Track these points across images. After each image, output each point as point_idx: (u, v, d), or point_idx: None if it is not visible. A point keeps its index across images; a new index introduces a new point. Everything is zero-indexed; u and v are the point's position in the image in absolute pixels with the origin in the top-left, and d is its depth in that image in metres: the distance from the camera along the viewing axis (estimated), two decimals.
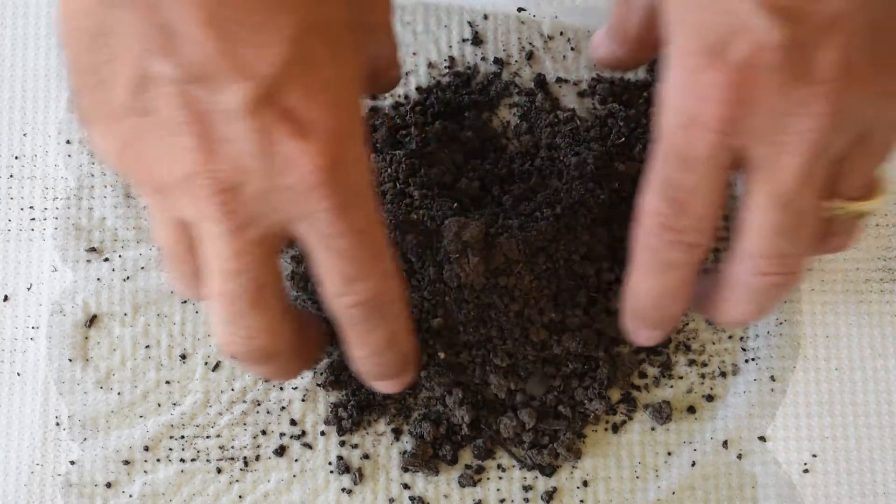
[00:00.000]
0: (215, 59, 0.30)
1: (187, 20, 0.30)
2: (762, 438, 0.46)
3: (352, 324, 0.36)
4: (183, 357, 0.47)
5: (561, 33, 0.49)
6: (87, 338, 0.47)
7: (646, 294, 0.37)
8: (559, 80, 0.49)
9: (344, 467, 0.45)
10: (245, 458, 0.46)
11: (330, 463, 0.46)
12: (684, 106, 0.33)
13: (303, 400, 0.46)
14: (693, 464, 0.46)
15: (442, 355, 0.44)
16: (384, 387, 0.39)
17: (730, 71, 0.32)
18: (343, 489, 0.45)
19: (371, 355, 0.37)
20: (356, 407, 0.46)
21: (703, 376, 0.47)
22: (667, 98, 0.34)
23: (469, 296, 0.43)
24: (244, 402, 0.46)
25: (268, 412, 0.46)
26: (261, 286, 0.34)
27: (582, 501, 0.45)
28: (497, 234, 0.43)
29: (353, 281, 0.34)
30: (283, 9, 0.31)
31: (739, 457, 0.46)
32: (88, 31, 0.32)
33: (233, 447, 0.46)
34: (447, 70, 0.49)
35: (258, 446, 0.46)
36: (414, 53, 0.49)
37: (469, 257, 0.42)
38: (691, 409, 0.46)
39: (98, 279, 0.47)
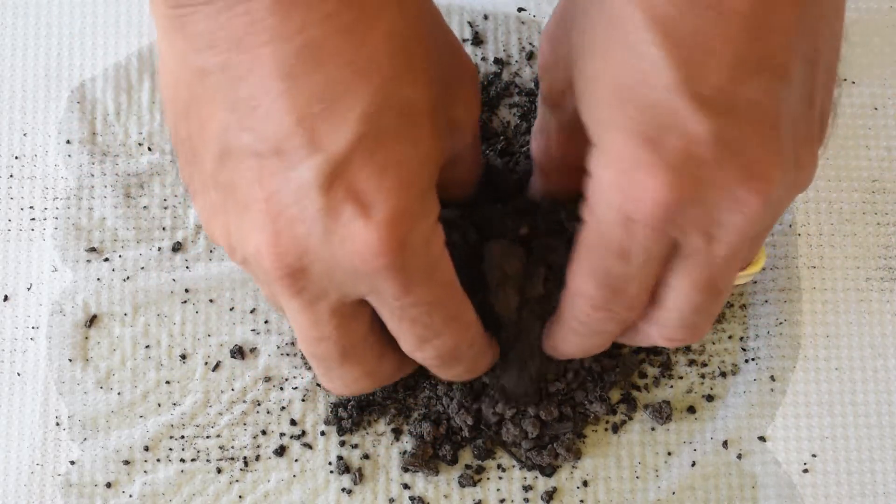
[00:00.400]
0: (290, 133, 0.30)
1: (268, 92, 0.30)
2: (762, 438, 0.46)
3: (430, 367, 0.37)
4: (183, 357, 0.47)
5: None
6: (87, 338, 0.47)
7: (570, 351, 0.39)
8: None
9: (344, 467, 0.45)
10: (245, 458, 0.46)
11: (330, 463, 0.46)
12: (621, 204, 0.32)
13: (303, 400, 0.46)
14: (693, 464, 0.46)
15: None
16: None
17: (666, 170, 0.31)
18: (343, 489, 0.45)
19: (450, 378, 0.40)
20: (356, 407, 0.46)
21: (703, 376, 0.47)
22: (599, 193, 0.33)
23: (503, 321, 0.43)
24: (244, 402, 0.46)
25: (268, 412, 0.46)
26: (345, 347, 0.35)
27: (582, 501, 0.45)
28: (537, 261, 0.42)
29: (426, 340, 0.35)
30: (361, 85, 0.30)
31: (739, 457, 0.46)
32: (183, 101, 0.33)
33: (233, 447, 0.46)
34: None
35: (258, 446, 0.46)
36: None
37: (507, 290, 0.41)
38: (691, 409, 0.46)
39: (98, 279, 0.47)
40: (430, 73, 0.32)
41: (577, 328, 0.37)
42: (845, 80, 0.49)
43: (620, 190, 0.32)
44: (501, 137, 0.48)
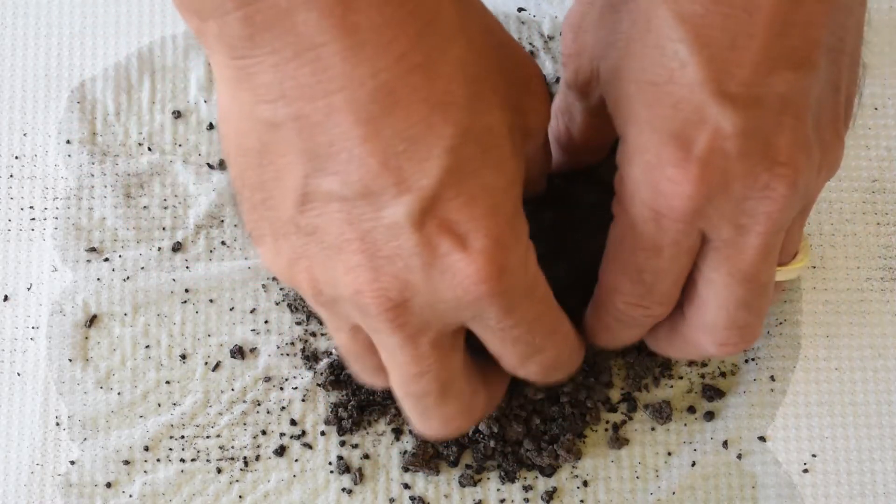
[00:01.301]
0: (377, 175, 0.30)
1: (348, 137, 0.30)
2: (762, 438, 0.46)
3: (533, 380, 0.37)
4: (183, 357, 0.47)
5: (561, 33, 0.49)
6: (87, 338, 0.47)
7: (603, 342, 0.39)
8: (559, 80, 0.49)
9: (344, 467, 0.45)
10: (245, 458, 0.46)
11: (330, 463, 0.46)
12: (650, 200, 0.33)
13: (303, 400, 0.46)
14: (693, 464, 0.46)
15: None
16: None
17: (693, 165, 0.32)
18: (343, 489, 0.45)
19: (549, 384, 0.40)
20: (356, 407, 0.46)
21: (703, 376, 0.47)
22: (629, 190, 0.34)
23: None
24: (244, 402, 0.46)
25: (268, 412, 0.46)
26: (445, 382, 0.35)
27: (582, 501, 0.45)
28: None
29: (528, 357, 0.35)
30: (440, 120, 0.30)
31: (739, 457, 0.46)
32: (254, 151, 0.32)
33: (233, 447, 0.46)
34: None
35: (258, 446, 0.46)
36: None
37: None
38: (691, 409, 0.46)
39: (98, 279, 0.47)
40: (502, 94, 0.32)
41: (611, 323, 0.37)
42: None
43: (649, 186, 0.33)
44: None
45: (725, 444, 0.46)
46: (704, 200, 0.32)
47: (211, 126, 0.48)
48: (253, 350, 0.47)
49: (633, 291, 0.35)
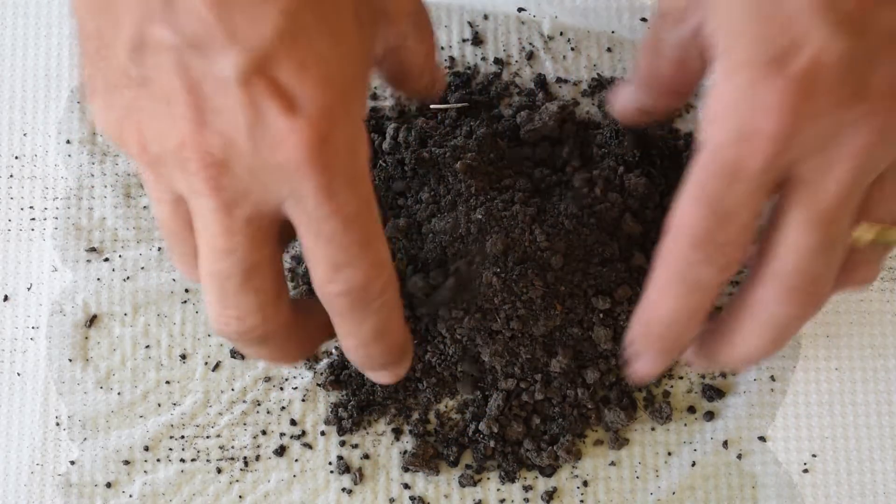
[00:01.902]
0: (211, 27, 0.30)
1: None
2: (762, 438, 0.46)
3: (340, 313, 0.35)
4: (183, 357, 0.47)
5: (561, 33, 0.49)
6: (87, 338, 0.47)
7: (664, 315, 0.36)
8: (559, 80, 0.49)
9: (344, 467, 0.45)
10: (245, 458, 0.46)
11: (330, 463, 0.46)
12: (740, 119, 0.32)
13: (303, 400, 0.46)
14: (693, 464, 0.46)
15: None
16: (377, 377, 0.39)
17: (789, 84, 0.31)
18: (343, 489, 0.45)
19: (360, 346, 0.37)
20: (356, 407, 0.46)
21: (703, 376, 0.47)
22: (717, 111, 0.33)
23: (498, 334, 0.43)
24: (244, 402, 0.46)
25: (268, 412, 0.46)
26: (251, 267, 0.33)
27: (582, 501, 0.45)
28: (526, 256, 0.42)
29: (340, 268, 0.34)
30: None
31: (739, 457, 0.46)
32: None
33: (233, 447, 0.46)
34: (447, 70, 0.49)
35: (258, 446, 0.46)
36: None
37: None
38: (691, 409, 0.46)
39: (98, 279, 0.47)
40: None
41: (673, 278, 0.35)
42: None
43: (741, 103, 0.32)
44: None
45: (725, 444, 0.46)
46: (797, 125, 0.31)
47: None
48: None
49: (704, 226, 0.33)
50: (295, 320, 0.36)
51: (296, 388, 0.46)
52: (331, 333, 0.38)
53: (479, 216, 0.42)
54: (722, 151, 0.33)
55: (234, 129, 0.31)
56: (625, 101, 0.43)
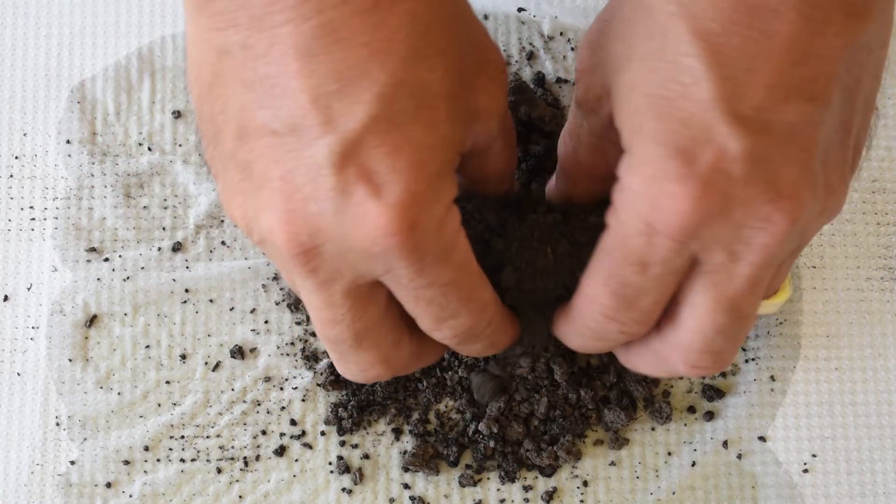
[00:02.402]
0: (306, 111, 0.30)
1: (285, 71, 0.30)
2: (762, 438, 0.46)
3: (449, 344, 0.37)
4: (183, 357, 0.47)
5: (561, 33, 0.49)
6: (87, 338, 0.47)
7: (574, 345, 0.39)
8: (559, 80, 0.49)
9: (344, 467, 0.45)
10: (245, 458, 0.46)
11: (330, 463, 0.46)
12: (646, 213, 0.32)
13: (303, 400, 0.46)
14: (693, 464, 0.46)
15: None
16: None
17: (694, 183, 0.31)
18: (343, 489, 0.45)
19: (470, 354, 0.39)
20: (356, 407, 0.46)
21: (703, 376, 0.47)
22: (626, 200, 0.33)
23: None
24: (244, 402, 0.46)
25: (268, 412, 0.46)
26: (360, 331, 0.35)
27: (582, 501, 0.45)
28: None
29: (442, 321, 0.35)
30: (377, 66, 0.30)
31: (739, 457, 0.46)
32: (207, 82, 0.33)
33: (233, 447, 0.46)
34: None
35: (258, 446, 0.46)
36: None
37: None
38: (691, 409, 0.46)
39: (98, 279, 0.47)
40: (449, 59, 0.32)
41: (584, 331, 0.37)
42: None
43: (647, 197, 0.32)
44: None
45: (725, 444, 0.46)
46: (701, 221, 0.31)
47: None
48: (253, 350, 0.47)
49: (612, 305, 0.35)
50: (417, 351, 0.38)
51: (296, 388, 0.46)
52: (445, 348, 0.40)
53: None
54: (627, 240, 0.33)
55: (323, 215, 0.31)
56: (552, 191, 0.43)
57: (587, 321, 0.36)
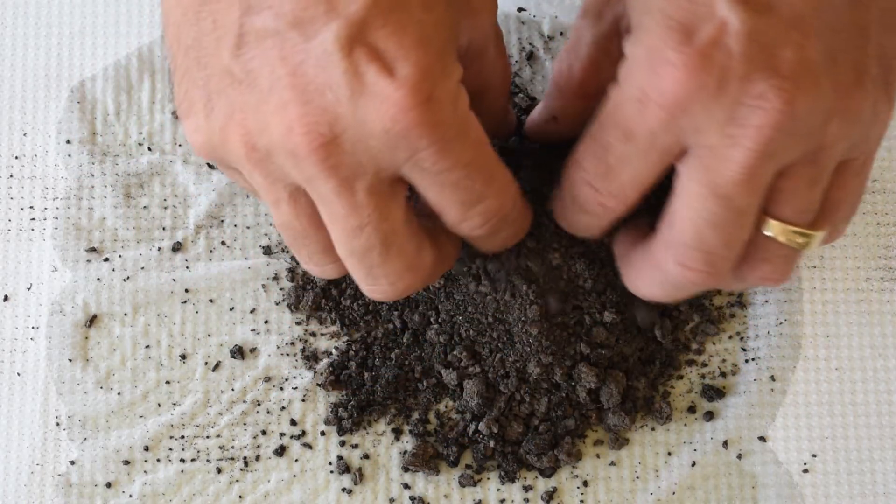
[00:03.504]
0: (310, 4, 0.31)
1: None
2: (762, 438, 0.46)
3: (478, 238, 0.37)
4: (183, 357, 0.47)
5: (561, 33, 0.49)
6: (87, 338, 0.47)
7: (560, 217, 0.39)
8: None
9: (344, 467, 0.45)
10: (245, 458, 0.46)
11: (330, 463, 0.46)
12: (640, 79, 0.33)
13: (303, 400, 0.46)
14: (693, 464, 0.46)
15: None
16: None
17: (692, 53, 0.32)
18: (343, 489, 0.45)
19: (496, 247, 0.39)
20: (356, 407, 0.46)
21: (703, 376, 0.47)
22: (626, 69, 0.34)
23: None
24: (244, 402, 0.46)
25: (268, 412, 0.46)
26: (388, 234, 0.34)
27: (582, 501, 0.45)
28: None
29: (470, 206, 0.35)
30: None
31: (739, 457, 0.46)
32: (193, 5, 0.33)
33: (233, 447, 0.46)
34: None
35: (258, 446, 0.46)
36: None
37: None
38: (691, 409, 0.46)
39: (98, 279, 0.47)
40: None
41: (568, 202, 0.37)
42: None
43: (646, 65, 0.32)
44: None
45: (725, 444, 0.46)
46: (695, 93, 0.32)
47: None
48: (253, 350, 0.47)
49: (592, 171, 0.35)
50: (438, 256, 0.37)
51: (296, 388, 0.46)
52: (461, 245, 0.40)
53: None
54: (619, 107, 0.34)
55: (339, 102, 0.31)
56: (535, 113, 0.43)
57: (572, 189, 0.36)
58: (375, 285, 0.36)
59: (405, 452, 0.46)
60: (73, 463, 0.46)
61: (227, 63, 0.33)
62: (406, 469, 0.45)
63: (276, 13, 0.31)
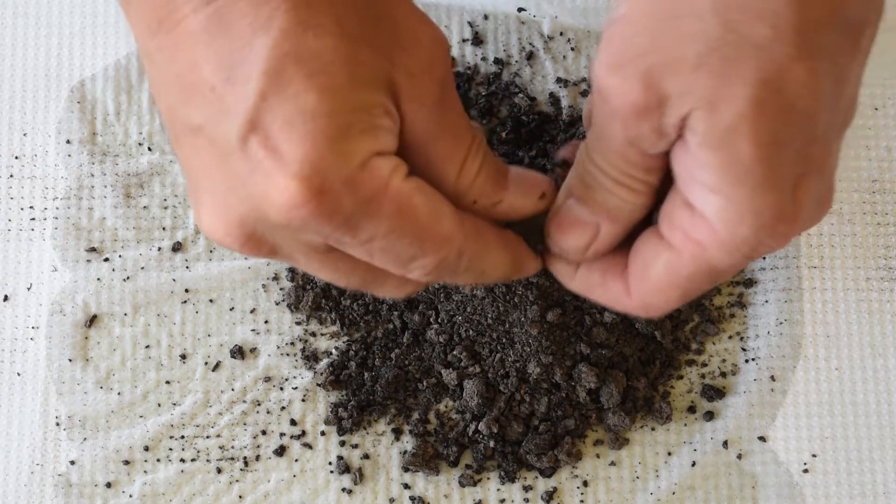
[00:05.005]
0: (216, 101, 0.31)
1: (195, 66, 0.31)
2: (762, 438, 0.46)
3: (428, 283, 0.37)
4: (183, 357, 0.47)
5: (561, 33, 0.49)
6: (87, 338, 0.47)
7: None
8: (559, 80, 0.49)
9: (344, 467, 0.45)
10: (245, 458, 0.46)
11: (330, 463, 0.46)
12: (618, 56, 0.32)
13: (303, 400, 0.46)
14: (693, 464, 0.46)
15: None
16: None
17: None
18: (343, 489, 0.45)
19: (481, 283, 0.39)
20: (356, 407, 0.46)
21: (703, 376, 0.47)
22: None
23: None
24: (244, 402, 0.46)
25: (268, 412, 0.46)
26: (364, 275, 0.35)
27: (582, 501, 0.45)
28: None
29: (406, 264, 0.34)
30: (259, 40, 0.31)
31: (739, 457, 0.46)
32: (153, 85, 0.34)
33: (233, 447, 0.46)
34: None
35: (258, 446, 0.46)
36: None
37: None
38: (691, 409, 0.46)
39: (98, 279, 0.47)
40: (346, 27, 0.32)
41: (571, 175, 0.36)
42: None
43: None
44: (504, 135, 0.48)
45: (725, 444, 0.46)
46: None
47: None
48: (253, 350, 0.47)
49: (590, 141, 0.34)
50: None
51: (296, 388, 0.46)
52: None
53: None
54: (599, 80, 0.33)
55: (244, 202, 0.32)
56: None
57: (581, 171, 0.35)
58: (386, 296, 0.37)
59: (405, 452, 0.46)
60: (73, 463, 0.46)
61: (175, 149, 0.34)
62: (406, 469, 0.45)
63: (201, 112, 0.31)
